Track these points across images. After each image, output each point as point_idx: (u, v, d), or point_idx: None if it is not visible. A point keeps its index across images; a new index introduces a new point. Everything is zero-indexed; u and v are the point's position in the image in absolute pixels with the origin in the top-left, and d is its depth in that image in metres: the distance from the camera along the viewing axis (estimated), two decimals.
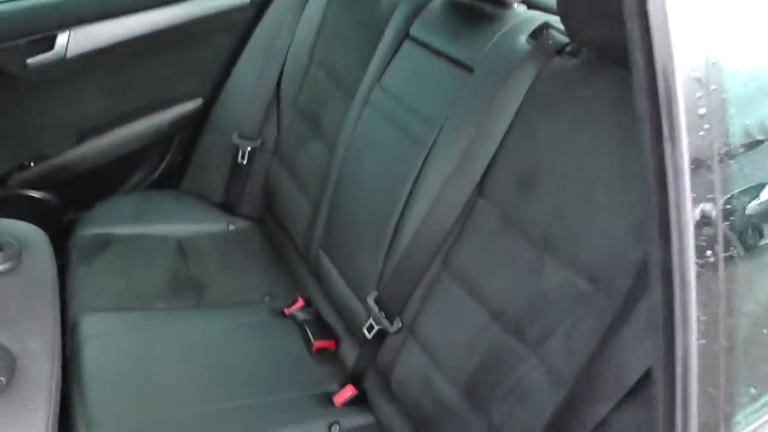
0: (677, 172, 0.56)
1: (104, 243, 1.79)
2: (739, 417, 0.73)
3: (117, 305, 1.58)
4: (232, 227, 2.02)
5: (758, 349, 0.79)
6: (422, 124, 1.38)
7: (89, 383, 1.33)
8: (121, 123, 1.96)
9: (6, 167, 1.85)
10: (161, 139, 2.04)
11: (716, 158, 0.59)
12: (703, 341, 0.59)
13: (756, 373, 0.80)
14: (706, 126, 0.58)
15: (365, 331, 1.38)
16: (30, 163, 1.86)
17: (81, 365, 1.38)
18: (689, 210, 0.56)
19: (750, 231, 0.73)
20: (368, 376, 1.46)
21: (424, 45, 1.50)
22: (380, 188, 1.45)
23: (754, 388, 0.78)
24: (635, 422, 0.87)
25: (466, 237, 1.25)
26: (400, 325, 1.32)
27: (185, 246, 1.88)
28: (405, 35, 1.56)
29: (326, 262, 1.63)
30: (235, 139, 1.99)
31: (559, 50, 1.19)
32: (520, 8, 1.41)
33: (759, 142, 0.70)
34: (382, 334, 1.37)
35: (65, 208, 1.96)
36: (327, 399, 1.42)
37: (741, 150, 0.67)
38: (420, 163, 1.35)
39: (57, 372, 0.84)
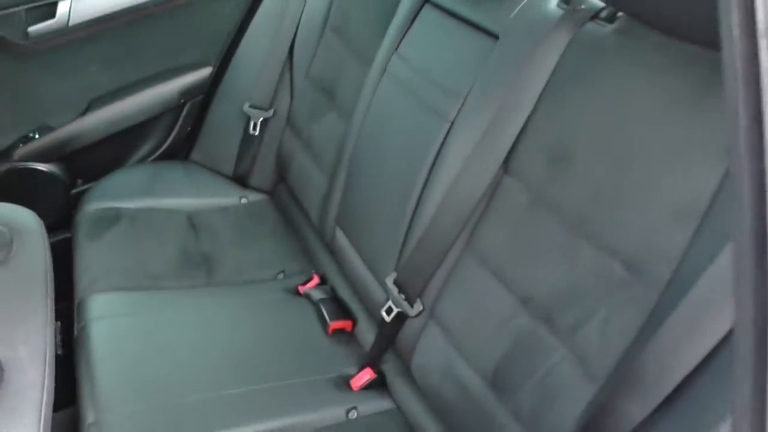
0: None
1: (113, 218, 1.74)
2: None
3: (126, 284, 1.53)
4: (244, 200, 1.96)
5: None
6: (443, 96, 1.30)
7: (98, 367, 1.28)
8: (129, 93, 1.89)
9: (10, 139, 1.79)
10: (170, 110, 1.98)
11: None
12: None
13: None
14: None
15: (383, 313, 1.32)
16: (35, 135, 1.80)
17: (89, 347, 1.33)
18: None
19: None
20: (387, 359, 1.41)
21: (445, 10, 1.41)
22: (399, 163, 1.37)
23: None
24: (680, 429, 0.80)
25: (491, 216, 1.18)
26: (420, 308, 1.26)
27: (196, 220, 1.82)
28: (425, 0, 1.46)
29: (342, 239, 1.56)
30: (247, 109, 1.92)
31: (593, 15, 1.10)
32: None
33: None
34: (401, 317, 1.30)
35: (72, 181, 1.90)
36: (344, 382, 1.37)
37: None
38: (441, 137, 1.27)
39: (48, 379, 0.78)
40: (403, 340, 1.32)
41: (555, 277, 1.04)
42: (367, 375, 1.37)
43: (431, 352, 1.24)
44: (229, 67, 1.98)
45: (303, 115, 1.84)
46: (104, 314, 1.42)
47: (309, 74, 1.85)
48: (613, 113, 1.01)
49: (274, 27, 1.91)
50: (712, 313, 0.80)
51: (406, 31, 1.47)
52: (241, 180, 2.00)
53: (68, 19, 1.67)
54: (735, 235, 0.46)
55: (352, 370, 1.40)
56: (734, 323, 0.47)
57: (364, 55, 1.62)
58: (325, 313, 1.51)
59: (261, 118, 1.92)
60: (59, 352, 1.74)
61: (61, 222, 1.86)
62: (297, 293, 1.62)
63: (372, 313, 1.45)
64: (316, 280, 1.65)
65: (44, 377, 0.78)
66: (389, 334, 1.34)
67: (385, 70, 1.48)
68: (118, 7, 1.72)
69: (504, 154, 1.15)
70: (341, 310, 1.54)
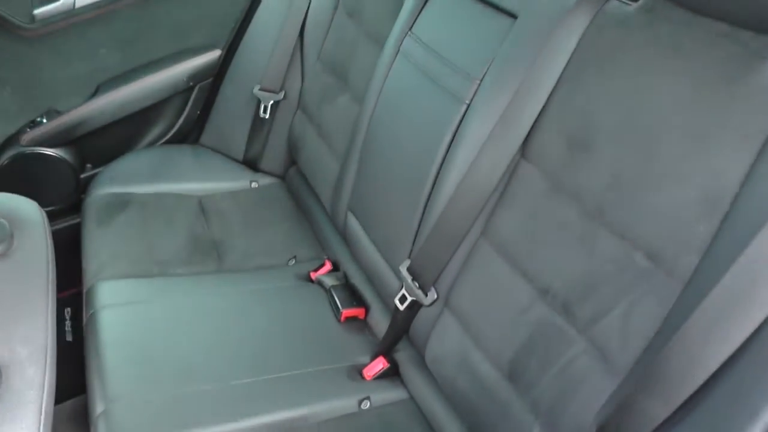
0: None
1: (122, 203, 1.72)
2: None
3: (135, 271, 1.51)
4: (254, 184, 1.93)
5: None
6: (459, 77, 1.25)
7: (106, 356, 1.27)
8: (137, 76, 1.86)
9: (18, 124, 1.77)
10: (179, 93, 1.95)
11: None
12: None
13: None
14: None
15: (397, 301, 1.29)
16: (43, 120, 1.77)
17: (98, 336, 1.31)
18: None
19: None
20: (401, 347, 1.38)
21: None
22: (414, 146, 1.33)
23: None
24: (706, 428, 0.76)
25: (508, 203, 1.14)
26: (435, 296, 1.23)
27: (206, 205, 1.80)
28: None
29: (355, 225, 1.53)
30: (257, 92, 1.89)
31: None
32: None
33: None
34: (415, 306, 1.27)
35: (81, 165, 1.88)
36: (357, 372, 1.34)
37: None
38: (457, 121, 1.23)
39: (49, 379, 0.76)
40: (417, 329, 1.29)
41: (574, 266, 1.00)
42: (380, 364, 1.34)
43: (446, 341, 1.21)
44: (238, 49, 1.95)
45: (314, 97, 1.80)
46: (113, 302, 1.40)
47: (320, 56, 1.81)
48: (636, 96, 0.96)
49: (285, 8, 1.87)
50: (741, 306, 0.75)
51: (420, 11, 1.43)
52: (251, 164, 1.98)
53: (74, 2, 1.64)
54: None
55: (364, 359, 1.37)
56: None
57: (377, 35, 1.57)
58: (338, 301, 1.48)
59: (271, 101, 1.89)
60: (69, 339, 1.74)
61: (70, 207, 1.85)
62: (309, 280, 1.59)
63: (385, 300, 1.42)
64: (328, 266, 1.62)
65: (44, 377, 0.76)
66: (403, 322, 1.31)
67: (398, 51, 1.44)
68: None
69: (522, 138, 1.11)
70: (354, 297, 1.51)
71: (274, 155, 1.97)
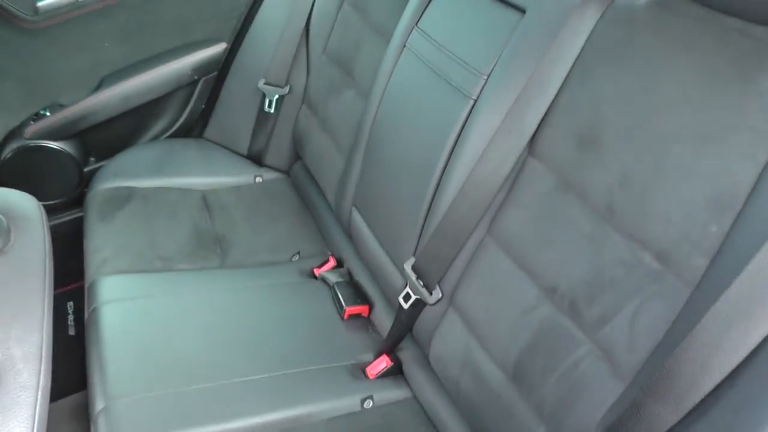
0: None
1: (125, 197, 1.70)
2: None
3: (137, 266, 1.49)
4: (258, 179, 1.92)
5: None
6: (466, 72, 1.23)
7: (108, 352, 1.25)
8: (142, 69, 1.84)
9: (21, 117, 1.75)
10: (183, 87, 1.93)
11: None
12: None
13: None
14: None
15: (401, 300, 1.28)
16: (46, 113, 1.76)
17: (99, 331, 1.30)
18: None
19: None
20: (404, 346, 1.36)
21: None
22: (419, 144, 1.32)
23: None
24: None
25: (514, 200, 1.12)
26: (439, 295, 1.21)
27: (210, 199, 1.79)
28: None
29: (359, 221, 1.51)
30: (262, 86, 1.88)
31: None
32: None
33: None
34: (419, 304, 1.26)
35: (85, 159, 1.87)
36: (360, 370, 1.33)
37: None
38: (464, 116, 1.21)
39: (44, 380, 0.75)
40: (421, 327, 1.28)
41: (581, 266, 0.98)
42: (383, 363, 1.33)
43: (450, 341, 1.20)
44: (243, 43, 1.93)
45: (320, 92, 1.78)
46: (115, 297, 1.39)
47: (326, 50, 1.79)
48: (647, 93, 0.94)
49: (290, 2, 1.85)
50: (753, 309, 0.74)
51: (427, 5, 1.41)
52: (256, 158, 1.96)
53: None
54: None
55: (368, 357, 1.36)
56: None
57: (383, 30, 1.55)
58: (341, 298, 1.47)
59: (276, 96, 1.88)
60: (72, 333, 1.73)
61: (73, 200, 1.84)
62: (312, 276, 1.58)
63: (389, 298, 1.41)
64: (332, 262, 1.61)
65: (38, 379, 0.75)
66: (407, 321, 1.30)
67: (404, 45, 1.42)
68: None
69: (529, 134, 1.09)
70: (358, 294, 1.50)
71: (278, 150, 1.95)
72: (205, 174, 1.87)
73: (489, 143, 1.13)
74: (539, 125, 1.08)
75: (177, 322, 1.36)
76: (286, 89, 1.87)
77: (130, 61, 1.84)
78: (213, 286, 1.49)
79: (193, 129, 2.03)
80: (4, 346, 0.75)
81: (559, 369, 0.98)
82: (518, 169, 1.12)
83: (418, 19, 1.41)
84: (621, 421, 0.84)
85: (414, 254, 1.29)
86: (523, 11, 1.18)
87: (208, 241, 1.64)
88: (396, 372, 1.34)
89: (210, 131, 2.02)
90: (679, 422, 0.78)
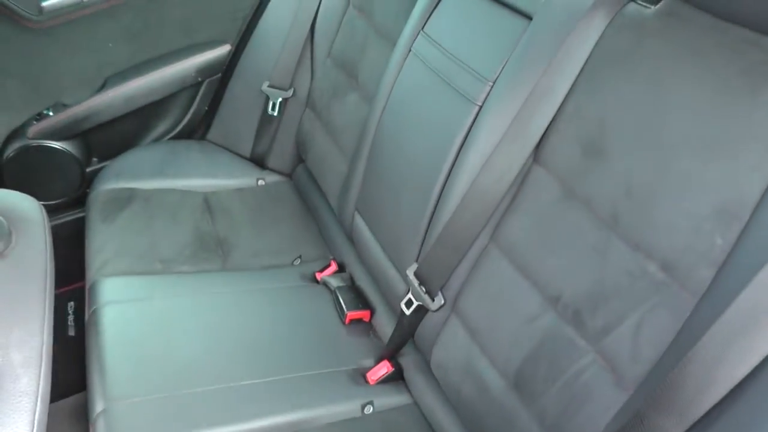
0: None
1: (127, 198, 1.70)
2: None
3: (139, 268, 1.49)
4: (261, 182, 1.92)
5: None
6: (472, 78, 1.23)
7: (108, 354, 1.25)
8: (146, 70, 1.84)
9: (24, 116, 1.75)
10: (187, 88, 1.93)
11: None
12: None
13: None
14: None
15: (403, 306, 1.27)
16: (49, 113, 1.76)
17: (100, 333, 1.30)
18: None
19: None
20: (405, 351, 1.36)
21: None
22: (424, 147, 1.31)
23: None
24: None
25: (518, 208, 1.11)
26: (442, 302, 1.20)
27: (212, 202, 1.78)
28: None
29: (362, 226, 1.51)
30: (266, 89, 1.87)
31: None
32: None
33: None
34: (421, 310, 1.25)
35: (87, 159, 1.86)
36: (360, 375, 1.33)
37: None
38: (469, 122, 1.21)
39: (43, 386, 0.74)
40: (422, 334, 1.27)
41: (585, 275, 0.97)
42: (384, 368, 1.33)
43: (452, 348, 1.19)
44: (248, 45, 1.93)
45: (324, 95, 1.78)
46: (115, 299, 1.38)
47: (330, 53, 1.79)
48: (654, 102, 0.94)
49: (295, 4, 1.85)
50: (759, 324, 0.73)
51: (433, 10, 1.40)
52: (258, 161, 1.96)
53: None
54: None
55: (368, 362, 1.36)
56: None
57: (388, 34, 1.55)
58: (343, 302, 1.46)
59: (280, 99, 1.87)
60: (72, 333, 1.72)
61: (75, 200, 1.83)
62: (314, 280, 1.58)
63: (391, 304, 1.40)
64: (334, 266, 1.60)
65: (38, 385, 0.74)
66: (408, 327, 1.29)
67: (410, 50, 1.42)
68: None
69: (534, 142, 1.09)
70: (359, 299, 1.49)
71: (281, 153, 1.95)
72: (208, 176, 1.86)
73: (494, 150, 1.13)
74: (545, 133, 1.08)
75: (177, 325, 1.36)
76: (290, 92, 1.87)
77: (134, 61, 1.84)
78: (214, 289, 1.48)
79: (196, 131, 2.03)
80: (3, 351, 0.74)
81: (562, 378, 0.97)
82: (523, 177, 1.11)
83: (424, 24, 1.41)
84: (622, 431, 0.83)
85: (417, 260, 1.28)
86: (530, 18, 1.18)
87: (209, 243, 1.64)
88: (397, 378, 1.33)
89: (213, 133, 2.02)
90: None
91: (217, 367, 1.27)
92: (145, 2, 1.75)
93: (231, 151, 1.99)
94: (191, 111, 1.97)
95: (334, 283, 1.53)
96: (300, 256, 1.66)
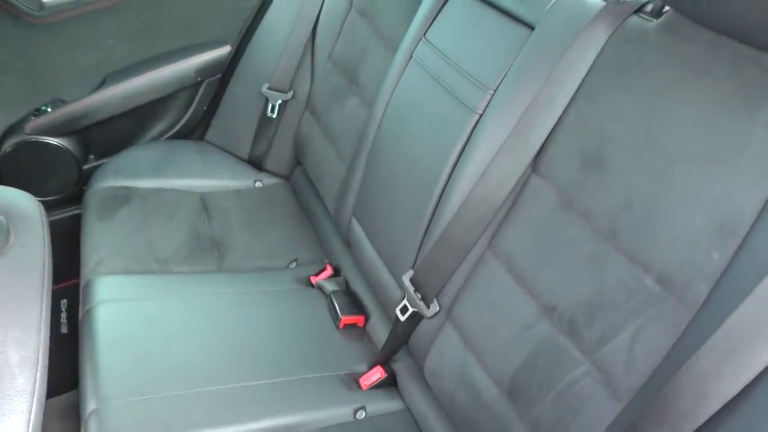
0: None
1: (124, 197, 1.70)
2: None
3: (134, 267, 1.48)
4: (258, 184, 1.91)
5: None
6: (473, 86, 1.23)
7: (101, 353, 1.24)
8: (145, 69, 1.83)
9: (22, 112, 1.74)
10: (186, 88, 1.92)
11: None
12: None
13: None
14: None
15: (398, 312, 1.27)
16: (47, 109, 1.75)
17: (93, 331, 1.29)
18: None
19: None
20: (399, 357, 1.36)
21: None
22: (423, 154, 1.31)
23: None
24: None
25: (516, 217, 1.12)
26: (437, 309, 1.21)
27: (209, 202, 1.78)
28: None
29: (359, 231, 1.51)
30: (265, 91, 1.87)
31: (637, 9, 1.03)
32: None
33: None
34: (416, 317, 1.25)
35: (85, 156, 1.86)
36: (353, 380, 1.32)
37: None
38: (469, 130, 1.21)
39: (39, 386, 0.74)
40: (417, 340, 1.27)
41: (581, 286, 0.98)
42: (377, 373, 1.32)
43: (446, 355, 1.19)
44: (248, 46, 1.92)
45: (323, 98, 1.78)
46: (110, 298, 1.38)
47: (331, 57, 1.79)
48: (654, 115, 0.94)
49: (297, 7, 1.85)
50: (754, 340, 0.73)
51: (435, 17, 1.41)
52: (256, 163, 1.96)
53: None
54: None
55: (362, 367, 1.35)
56: None
57: (390, 39, 1.55)
58: (337, 307, 1.46)
59: (279, 101, 1.87)
60: (64, 330, 1.72)
61: (72, 197, 1.83)
62: (309, 284, 1.57)
63: (386, 309, 1.40)
64: (329, 270, 1.60)
65: (35, 384, 0.74)
66: (403, 333, 1.29)
67: (411, 56, 1.42)
68: None
69: (534, 152, 1.09)
70: (354, 304, 1.49)
71: (279, 155, 1.94)
72: (205, 176, 1.86)
73: (493, 159, 1.13)
74: (544, 143, 1.08)
75: (172, 326, 1.35)
76: (290, 94, 1.87)
77: (134, 60, 1.83)
78: (209, 290, 1.48)
79: (195, 131, 2.02)
80: (0, 349, 0.74)
81: (556, 387, 0.97)
82: (521, 186, 1.12)
83: (426, 30, 1.41)
84: None
85: (413, 267, 1.28)
86: (532, 27, 1.18)
87: (205, 244, 1.63)
88: (389, 383, 1.33)
89: (211, 134, 2.01)
90: None
91: (210, 369, 1.27)
92: (146, 1, 1.75)
93: (229, 152, 1.98)
94: (190, 111, 1.96)
95: (329, 287, 1.53)
96: (296, 259, 1.65)
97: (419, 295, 1.23)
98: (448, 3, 1.40)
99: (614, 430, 0.87)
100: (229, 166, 1.94)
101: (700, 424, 0.75)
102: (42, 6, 1.59)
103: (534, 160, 1.10)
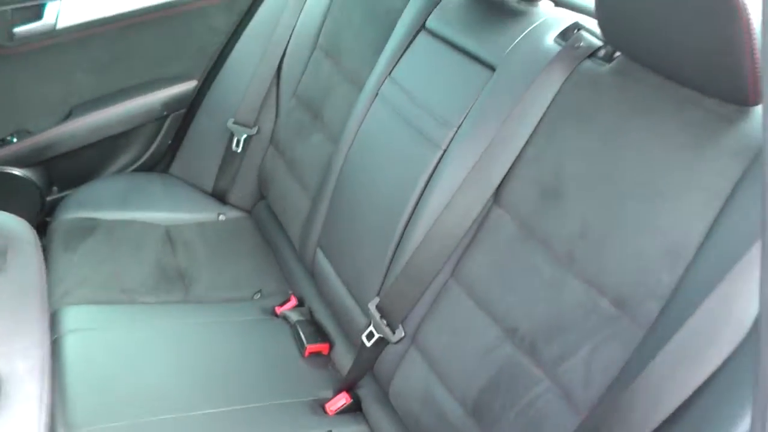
0: None
1: (89, 228, 1.70)
2: None
3: (100, 298, 1.49)
4: (222, 217, 1.94)
5: None
6: (437, 124, 1.30)
7: (69, 382, 1.24)
8: (112, 101, 1.86)
9: None
10: (152, 121, 1.95)
11: None
12: None
13: None
14: None
15: (364, 338, 1.31)
16: (12, 139, 1.76)
17: (61, 361, 1.29)
18: None
19: None
20: (363, 383, 1.39)
21: (441, 38, 1.42)
22: (388, 189, 1.37)
23: None
24: None
25: (478, 246, 1.18)
26: (402, 334, 1.25)
27: (173, 235, 1.79)
28: (421, 26, 1.47)
29: (323, 262, 1.55)
30: (230, 125, 1.91)
31: (591, 54, 1.12)
32: (546, 6, 1.33)
33: None
34: (381, 342, 1.29)
35: (48, 188, 1.86)
36: (319, 406, 1.35)
37: None
38: (433, 165, 1.28)
39: (47, 393, 0.76)
40: (382, 365, 1.31)
41: (541, 309, 1.04)
42: (342, 399, 1.35)
43: (411, 378, 1.23)
44: (214, 81, 1.97)
45: (288, 134, 1.83)
46: (77, 327, 1.38)
47: (296, 93, 1.84)
48: (607, 151, 1.02)
49: (264, 43, 1.89)
50: (701, 352, 0.81)
51: (401, 56, 1.48)
52: (220, 196, 1.98)
53: (56, 22, 1.64)
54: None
55: (327, 393, 1.38)
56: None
57: (354, 77, 1.62)
58: (302, 336, 1.49)
59: (245, 135, 1.90)
60: None
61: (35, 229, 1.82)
62: (274, 314, 1.60)
63: (350, 337, 1.44)
64: (293, 301, 1.63)
65: (42, 393, 0.76)
66: (368, 359, 1.33)
67: (377, 93, 1.49)
68: (107, 13, 1.71)
69: (495, 185, 1.16)
70: (318, 332, 1.52)
71: (243, 189, 1.97)
72: (169, 209, 1.87)
73: (456, 192, 1.20)
74: (505, 176, 1.15)
75: (139, 355, 1.37)
76: (255, 129, 1.91)
77: (101, 92, 1.86)
78: (175, 320, 1.50)
79: (159, 163, 2.04)
80: (9, 360, 0.75)
81: (519, 405, 1.03)
82: (483, 217, 1.18)
83: (392, 69, 1.48)
84: None
85: (378, 294, 1.33)
86: (493, 69, 1.26)
87: (170, 275, 1.65)
88: (355, 409, 1.36)
89: (176, 167, 2.03)
90: None
91: (177, 397, 1.28)
92: (115, 34, 1.78)
93: (193, 185, 2.01)
94: (155, 144, 1.99)
95: (294, 317, 1.56)
96: (260, 291, 1.68)
97: (385, 321, 1.27)
98: (413, 43, 1.47)
99: None
100: (194, 199, 1.95)
101: (653, 429, 0.82)
102: (12, 36, 1.61)
103: (495, 192, 1.16)
